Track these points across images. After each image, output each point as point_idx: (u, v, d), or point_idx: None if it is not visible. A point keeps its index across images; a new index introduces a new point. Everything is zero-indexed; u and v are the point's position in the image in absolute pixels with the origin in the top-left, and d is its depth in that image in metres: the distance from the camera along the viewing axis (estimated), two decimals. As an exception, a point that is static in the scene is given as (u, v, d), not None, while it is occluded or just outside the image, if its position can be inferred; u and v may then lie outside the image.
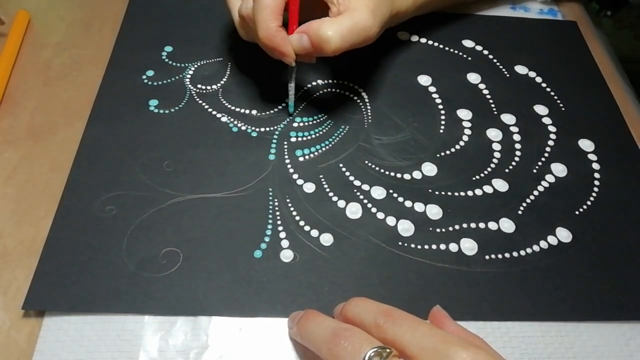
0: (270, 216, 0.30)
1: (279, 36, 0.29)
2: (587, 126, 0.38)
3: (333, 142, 0.35)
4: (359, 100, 0.37)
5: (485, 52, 0.42)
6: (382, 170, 0.34)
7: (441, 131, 0.36)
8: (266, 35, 0.29)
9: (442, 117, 0.37)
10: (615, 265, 0.31)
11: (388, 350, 0.20)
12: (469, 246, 0.30)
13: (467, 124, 0.37)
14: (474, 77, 0.40)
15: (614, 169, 0.35)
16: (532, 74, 0.41)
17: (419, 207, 0.32)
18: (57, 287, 0.27)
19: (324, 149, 0.34)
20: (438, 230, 0.31)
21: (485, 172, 0.34)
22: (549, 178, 0.34)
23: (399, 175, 0.33)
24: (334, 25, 0.29)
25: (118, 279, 0.27)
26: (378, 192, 0.32)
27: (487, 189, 0.33)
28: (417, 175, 0.34)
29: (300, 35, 0.29)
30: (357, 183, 0.33)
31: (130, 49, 0.38)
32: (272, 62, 0.39)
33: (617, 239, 0.32)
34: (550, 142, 0.36)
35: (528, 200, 0.33)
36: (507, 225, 0.32)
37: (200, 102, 0.36)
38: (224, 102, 0.36)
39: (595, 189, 0.34)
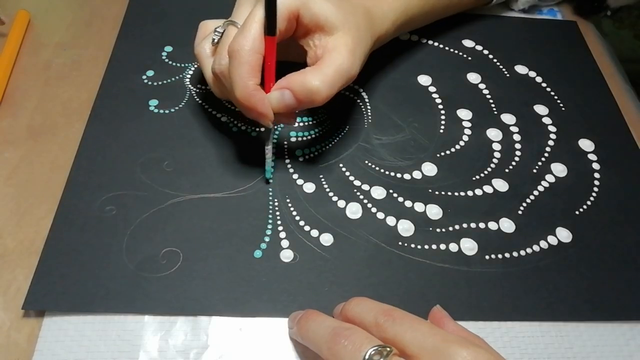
0: (270, 216, 0.30)
1: (257, 95, 0.26)
2: (587, 126, 0.38)
3: (333, 142, 0.35)
4: (359, 100, 0.37)
5: (486, 52, 0.42)
6: (382, 170, 0.34)
7: (441, 131, 0.36)
8: (243, 94, 0.26)
9: (442, 117, 0.37)
10: (615, 265, 0.31)
11: (388, 349, 0.20)
12: (469, 246, 0.30)
13: (467, 124, 0.37)
14: (474, 77, 0.40)
15: (614, 168, 0.35)
16: (532, 74, 0.41)
17: (419, 207, 0.32)
18: (57, 287, 0.27)
19: (324, 149, 0.34)
20: (438, 230, 0.31)
21: (485, 172, 0.34)
22: (549, 178, 0.34)
23: (399, 175, 0.33)
24: (318, 74, 0.27)
25: (118, 279, 0.27)
26: (378, 192, 0.32)
27: (487, 188, 0.33)
28: (417, 175, 0.34)
29: (281, 91, 0.27)
30: (357, 183, 0.33)
31: (131, 49, 0.38)
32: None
33: (617, 238, 0.32)
34: (550, 142, 0.36)
35: (528, 200, 0.33)
36: (507, 225, 0.32)
37: (200, 102, 0.36)
38: (224, 102, 0.36)
39: (595, 189, 0.34)
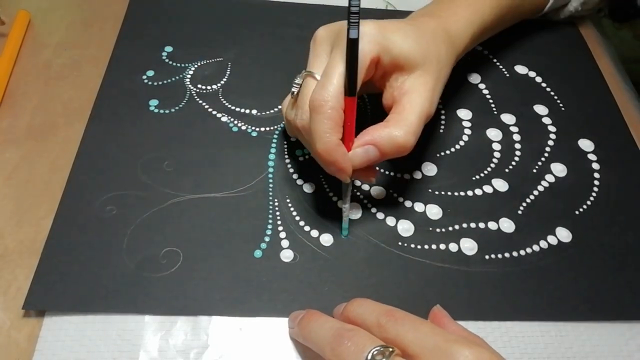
0: (270, 216, 0.30)
1: (340, 151, 0.25)
2: (587, 126, 0.38)
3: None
4: (359, 100, 0.37)
5: (486, 51, 0.42)
6: (382, 170, 0.34)
7: (441, 131, 0.36)
8: (326, 149, 0.25)
9: (442, 117, 0.37)
10: (615, 265, 0.31)
11: (391, 350, 0.20)
12: (468, 246, 0.31)
13: (467, 124, 0.37)
14: (474, 77, 0.40)
15: (614, 168, 0.35)
16: (532, 74, 0.41)
17: (418, 207, 0.32)
18: (58, 287, 0.27)
19: (324, 149, 0.34)
20: (438, 230, 0.31)
21: (485, 172, 0.34)
22: (549, 178, 0.34)
23: (398, 175, 0.33)
24: (402, 125, 0.26)
25: (118, 278, 0.27)
26: (378, 192, 0.32)
27: (487, 188, 0.33)
28: (417, 175, 0.34)
29: (365, 148, 0.26)
30: (357, 183, 0.33)
31: (131, 49, 0.38)
32: (272, 62, 0.39)
33: (616, 238, 0.32)
34: (550, 142, 0.36)
35: (528, 200, 0.33)
36: (507, 225, 0.32)
37: (201, 102, 0.36)
38: (224, 102, 0.36)
39: (595, 189, 0.34)
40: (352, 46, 0.24)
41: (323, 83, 0.25)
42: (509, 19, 0.39)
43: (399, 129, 0.26)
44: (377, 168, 0.34)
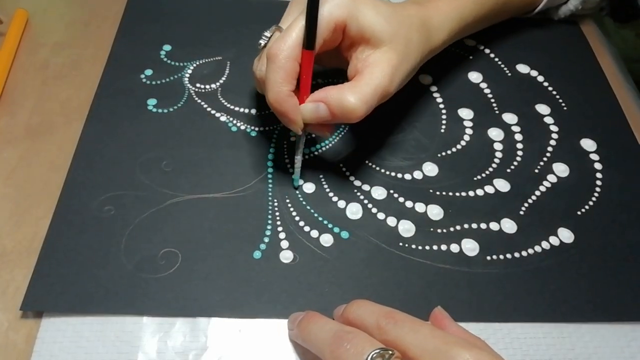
0: (270, 216, 0.30)
1: (290, 102, 0.27)
2: (589, 126, 0.37)
3: (333, 142, 0.34)
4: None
5: (487, 50, 0.42)
6: (382, 170, 0.33)
7: (442, 131, 0.36)
8: (276, 99, 0.26)
9: (443, 117, 0.37)
10: (618, 266, 0.30)
11: (390, 352, 0.20)
12: (470, 247, 0.30)
13: (468, 124, 0.37)
14: (475, 76, 0.40)
15: (616, 168, 0.35)
16: (533, 73, 0.40)
17: (419, 207, 0.32)
18: (56, 288, 0.27)
19: (324, 149, 0.34)
20: (439, 230, 0.31)
21: (487, 172, 0.34)
22: (551, 178, 0.34)
23: (399, 175, 0.33)
24: (355, 91, 0.26)
25: (116, 279, 0.27)
26: (378, 192, 0.32)
27: (489, 189, 0.33)
28: (418, 175, 0.33)
29: (316, 104, 0.27)
30: (357, 183, 0.33)
31: (129, 48, 0.38)
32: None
33: (619, 239, 0.32)
34: (552, 142, 0.36)
35: (530, 201, 0.33)
36: (508, 226, 0.31)
37: (199, 101, 0.36)
38: (223, 101, 0.36)
39: (597, 189, 0.34)
40: (312, 1, 0.25)
41: (283, 35, 0.26)
42: (494, 15, 0.39)
43: (351, 94, 0.26)
44: (373, 166, 0.33)
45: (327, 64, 0.32)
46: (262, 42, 0.29)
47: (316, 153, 0.34)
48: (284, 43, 0.26)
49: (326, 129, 0.29)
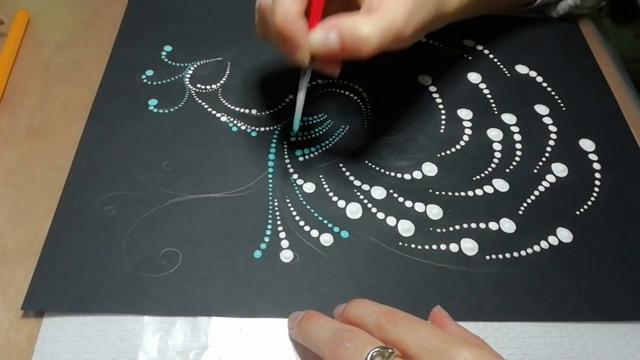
0: (270, 216, 0.30)
1: (298, 23, 0.24)
2: (587, 126, 0.38)
3: (333, 142, 0.35)
4: (359, 100, 0.37)
5: (486, 51, 0.42)
6: (382, 170, 0.33)
7: (441, 131, 0.36)
8: (284, 19, 0.23)
9: (443, 117, 0.37)
10: (616, 266, 0.30)
11: (390, 351, 0.20)
12: (469, 246, 0.30)
13: (467, 124, 0.37)
14: (474, 77, 0.40)
15: (615, 168, 0.35)
16: (532, 74, 0.41)
17: (419, 207, 0.32)
18: (57, 288, 0.27)
19: (324, 149, 0.34)
20: (438, 230, 0.31)
21: (486, 172, 0.34)
22: (550, 178, 0.34)
23: (399, 175, 0.33)
24: (371, 21, 0.24)
25: (117, 279, 0.27)
26: (378, 192, 0.32)
27: (488, 189, 0.33)
28: (417, 175, 0.34)
29: (326, 31, 0.24)
30: (357, 183, 0.33)
31: (130, 49, 0.38)
32: (272, 62, 0.39)
33: (617, 239, 0.32)
34: (551, 142, 0.36)
35: (529, 200, 0.33)
36: (507, 226, 0.32)
37: (200, 101, 0.36)
38: (224, 101, 0.36)
39: (596, 189, 0.34)
40: None
41: None
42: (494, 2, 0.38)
43: (366, 23, 0.24)
44: (373, 166, 0.34)
45: (336, 11, 0.27)
46: None
47: (316, 153, 0.34)
48: None
49: (334, 64, 0.27)
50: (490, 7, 0.38)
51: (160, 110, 0.35)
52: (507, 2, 0.40)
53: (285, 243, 0.29)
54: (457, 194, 0.33)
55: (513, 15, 0.45)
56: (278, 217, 0.30)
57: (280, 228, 0.30)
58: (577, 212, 0.33)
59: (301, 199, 0.31)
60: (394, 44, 0.25)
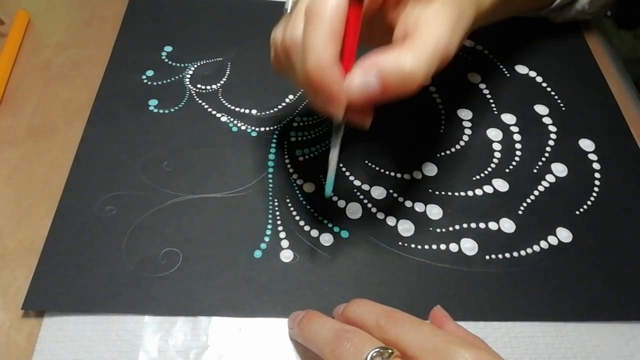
0: (270, 216, 0.30)
1: (334, 71, 0.20)
2: (587, 126, 0.38)
3: (333, 142, 0.35)
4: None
5: (486, 51, 0.42)
6: (382, 170, 0.34)
7: (441, 131, 0.36)
8: (319, 66, 0.20)
9: (443, 117, 0.37)
10: (616, 266, 0.31)
11: (390, 351, 0.20)
12: (469, 246, 0.30)
13: (467, 124, 0.37)
14: (474, 77, 0.40)
15: (615, 168, 0.35)
16: (532, 74, 0.41)
17: (419, 207, 0.32)
18: (57, 287, 0.27)
19: (324, 149, 0.34)
20: (438, 230, 0.31)
21: (486, 172, 0.34)
22: (550, 178, 0.34)
23: (399, 175, 0.33)
24: (412, 52, 0.21)
25: (118, 279, 0.27)
26: (378, 192, 0.32)
27: (488, 188, 0.33)
28: (417, 175, 0.34)
29: (366, 73, 0.21)
30: (357, 183, 0.33)
31: (130, 49, 0.38)
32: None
33: (617, 239, 0.32)
34: (551, 142, 0.36)
35: (528, 200, 0.33)
36: (507, 225, 0.32)
37: (200, 102, 0.36)
38: (224, 101, 0.36)
39: (596, 189, 0.34)
40: None
41: None
42: (519, 2, 0.37)
43: (408, 54, 0.21)
44: (373, 166, 0.34)
45: (365, 39, 0.24)
46: (289, 6, 0.24)
47: (316, 153, 0.34)
48: None
49: (367, 115, 0.24)
50: (516, 8, 0.37)
51: (161, 111, 0.35)
52: (531, 2, 0.39)
53: (285, 243, 0.29)
54: (456, 193, 0.33)
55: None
56: (278, 217, 0.30)
57: (280, 228, 0.30)
58: (577, 212, 0.33)
59: (301, 199, 0.31)
60: (441, 66, 0.22)
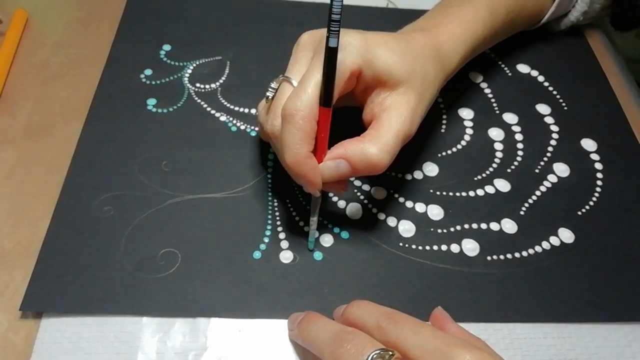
0: (270, 217, 0.30)
1: (309, 164, 0.24)
2: (589, 126, 0.37)
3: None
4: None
5: (488, 51, 0.42)
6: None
7: (443, 130, 0.36)
8: (295, 161, 0.24)
9: (444, 117, 0.37)
10: (618, 266, 0.30)
11: (391, 353, 0.20)
12: (470, 247, 0.30)
13: (468, 124, 0.37)
14: (476, 76, 0.40)
15: (617, 168, 0.35)
16: (534, 73, 0.40)
17: (420, 207, 0.32)
18: (55, 288, 0.26)
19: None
20: (439, 230, 0.31)
21: (487, 172, 0.34)
22: (551, 178, 0.34)
23: (399, 175, 0.33)
24: (377, 142, 0.25)
25: (116, 280, 0.27)
26: (378, 192, 0.32)
27: (489, 189, 0.33)
28: (418, 175, 0.33)
29: (336, 162, 0.25)
30: (357, 183, 0.32)
31: (129, 48, 0.38)
32: (271, 61, 0.39)
33: (619, 239, 0.32)
34: (553, 142, 0.36)
35: (530, 201, 0.33)
36: (509, 226, 0.31)
37: (199, 101, 0.36)
38: (223, 101, 0.36)
39: (598, 189, 0.34)
40: (331, 55, 0.23)
41: (298, 91, 0.24)
42: (503, 33, 0.37)
43: (373, 146, 0.25)
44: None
45: (336, 104, 0.28)
46: (269, 94, 0.27)
47: (316, 153, 0.34)
48: (300, 101, 0.24)
49: (342, 186, 0.27)
50: (489, 45, 0.38)
51: (159, 110, 0.35)
52: (508, 34, 0.39)
53: (285, 244, 0.29)
54: (458, 194, 0.33)
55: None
56: (278, 218, 0.30)
57: (280, 228, 0.30)
58: (579, 213, 0.33)
59: (301, 199, 0.31)
60: (404, 144, 0.26)
